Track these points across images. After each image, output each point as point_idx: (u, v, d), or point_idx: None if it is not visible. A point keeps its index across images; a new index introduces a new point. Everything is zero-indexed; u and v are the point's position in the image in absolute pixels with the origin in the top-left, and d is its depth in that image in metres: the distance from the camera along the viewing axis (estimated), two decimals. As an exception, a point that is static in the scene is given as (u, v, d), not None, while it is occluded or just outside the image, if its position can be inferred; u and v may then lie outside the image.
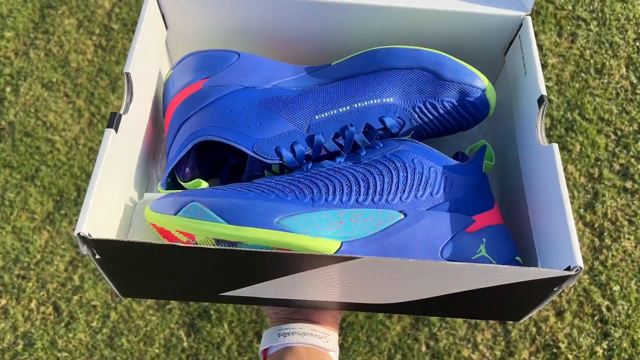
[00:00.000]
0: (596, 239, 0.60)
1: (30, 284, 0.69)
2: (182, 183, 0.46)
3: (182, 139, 0.45)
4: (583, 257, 0.59)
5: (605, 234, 0.61)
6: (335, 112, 0.45)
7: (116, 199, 0.42)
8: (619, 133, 0.63)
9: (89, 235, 0.35)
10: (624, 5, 0.66)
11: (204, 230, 0.38)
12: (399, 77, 0.46)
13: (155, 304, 0.64)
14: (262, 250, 0.35)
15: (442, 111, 0.47)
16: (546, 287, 0.39)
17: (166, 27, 0.53)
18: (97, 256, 0.37)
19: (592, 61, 0.64)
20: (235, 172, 0.50)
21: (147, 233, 0.44)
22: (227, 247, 0.35)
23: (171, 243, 0.35)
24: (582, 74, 0.63)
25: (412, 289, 0.41)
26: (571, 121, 0.62)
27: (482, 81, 0.47)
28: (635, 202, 0.62)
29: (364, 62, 0.47)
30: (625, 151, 0.63)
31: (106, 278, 0.41)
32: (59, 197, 0.81)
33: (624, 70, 0.64)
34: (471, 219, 0.42)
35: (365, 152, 0.45)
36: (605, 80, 0.64)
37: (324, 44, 0.54)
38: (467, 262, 0.41)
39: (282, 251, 0.35)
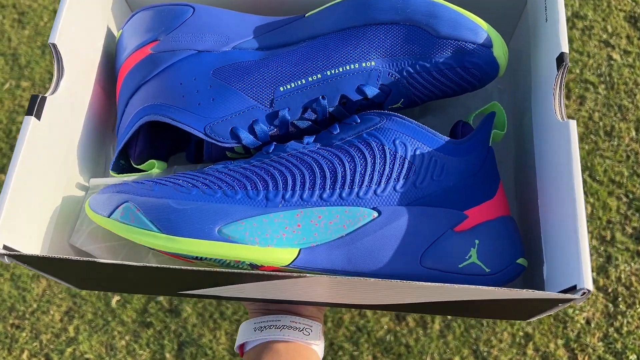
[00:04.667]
0: (610, 305, 0.57)
1: (24, 334, 0.68)
2: (134, 165, 0.41)
3: (129, 116, 0.39)
4: (597, 323, 0.55)
5: (620, 299, 0.59)
6: (303, 81, 0.37)
7: (49, 191, 0.37)
8: (631, 196, 0.60)
9: (5, 249, 0.31)
10: (632, 70, 0.63)
11: (137, 239, 0.33)
12: (381, 34, 0.37)
13: (151, 358, 0.63)
14: (183, 268, 0.30)
15: (437, 75, 0.38)
16: (548, 303, 0.33)
17: (116, -26, 0.45)
18: (26, 264, 0.33)
19: (601, 123, 0.62)
20: (201, 148, 0.44)
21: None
22: (148, 265, 0.30)
23: (88, 260, 0.30)
24: (592, 136, 0.62)
25: (388, 298, 0.36)
26: (582, 182, 0.61)
27: (487, 36, 0.37)
28: None
29: (340, 14, 0.38)
30: (637, 214, 0.60)
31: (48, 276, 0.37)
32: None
33: (633, 133, 0.61)
34: (462, 215, 0.35)
35: (338, 130, 0.37)
36: (615, 143, 0.62)
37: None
38: (451, 275, 0.34)
39: (203, 269, 0.30)
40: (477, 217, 0.36)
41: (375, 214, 0.34)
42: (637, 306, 0.57)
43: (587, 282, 0.30)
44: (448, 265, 0.34)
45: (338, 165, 0.35)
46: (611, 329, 0.57)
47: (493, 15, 0.40)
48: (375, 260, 0.34)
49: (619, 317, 0.57)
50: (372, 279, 0.31)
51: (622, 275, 0.58)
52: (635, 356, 0.56)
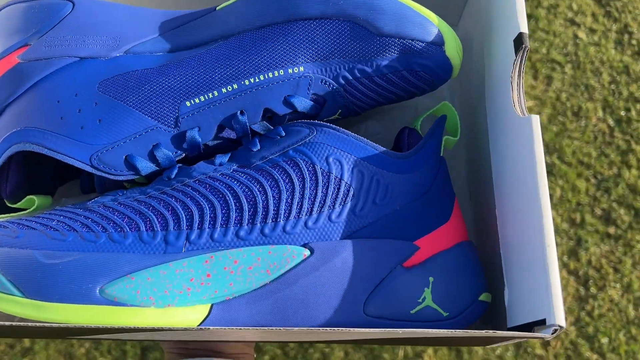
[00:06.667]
0: (581, 288, 0.58)
1: (-26, 346, 0.61)
2: (8, 205, 0.32)
3: (-6, 144, 0.31)
4: (569, 307, 0.53)
5: (591, 282, 0.58)
6: (215, 93, 0.30)
7: None
8: (599, 177, 0.60)
9: None
10: (597, 48, 0.63)
11: (-6, 306, 0.25)
12: (310, 32, 0.31)
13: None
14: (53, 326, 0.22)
15: (380, 80, 0.31)
16: (514, 338, 0.27)
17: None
18: None
19: (568, 104, 0.61)
20: (99, 177, 0.36)
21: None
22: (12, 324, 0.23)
23: None
24: (560, 117, 0.61)
25: (328, 337, 0.29)
26: (550, 165, 0.60)
27: (438, 32, 0.31)
28: (620, 248, 0.58)
29: (256, 8, 0.32)
30: (606, 195, 0.59)
31: None
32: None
33: (600, 113, 0.61)
34: (413, 246, 0.29)
35: (258, 147, 0.30)
36: (583, 123, 0.61)
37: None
38: (402, 323, 0.28)
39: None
40: (430, 248, 0.29)
41: (307, 253, 0.28)
42: (608, 289, 0.56)
43: (559, 316, 0.25)
44: (397, 312, 0.28)
45: (258, 193, 0.28)
46: (582, 313, 0.56)
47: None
48: (309, 311, 0.27)
49: (590, 300, 0.56)
50: (305, 329, 0.24)
51: (592, 258, 0.57)
52: (606, 339, 0.55)
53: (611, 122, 0.60)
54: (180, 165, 0.30)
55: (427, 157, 0.31)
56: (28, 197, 0.32)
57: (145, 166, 0.30)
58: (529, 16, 0.64)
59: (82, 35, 0.32)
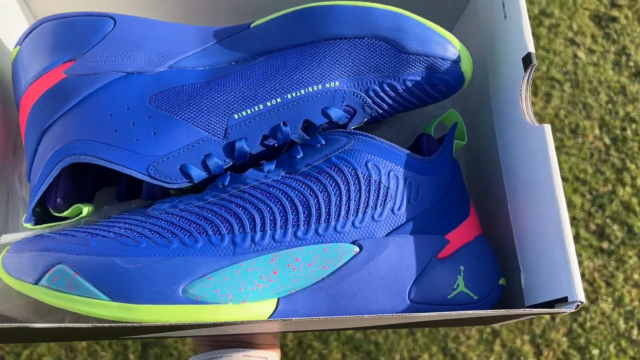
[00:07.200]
0: None
1: (-24, 338, 0.59)
2: (55, 214, 0.33)
3: (44, 158, 0.32)
4: (562, 319, 0.58)
5: (584, 295, 0.61)
6: (261, 107, 0.33)
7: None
8: (594, 193, 0.64)
9: None
10: (596, 68, 0.67)
11: (79, 310, 0.27)
12: (345, 50, 0.34)
13: (114, 360, 0.58)
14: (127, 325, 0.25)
15: (404, 93, 0.35)
16: (534, 314, 0.32)
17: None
18: None
19: (566, 121, 0.66)
20: (134, 185, 0.37)
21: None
22: (97, 326, 0.25)
23: (20, 326, 0.24)
24: (558, 134, 0.65)
25: (372, 325, 0.32)
26: None
27: (456, 50, 0.35)
28: (612, 263, 0.63)
29: (295, 27, 0.34)
30: (600, 211, 0.64)
31: None
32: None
33: (597, 131, 0.65)
34: (444, 240, 0.33)
35: (302, 154, 0.33)
36: (580, 140, 0.65)
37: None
38: (441, 307, 0.32)
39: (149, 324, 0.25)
40: (457, 241, 0.34)
41: (357, 249, 0.31)
42: (600, 302, 0.60)
43: (579, 293, 0.29)
44: (437, 297, 0.32)
45: (310, 197, 0.31)
46: (575, 325, 0.60)
47: (430, 11, 0.39)
48: (361, 300, 0.30)
49: (583, 312, 0.60)
50: (351, 317, 0.28)
51: (586, 272, 0.61)
52: (597, 350, 0.59)
53: (607, 140, 0.64)
54: (231, 172, 0.33)
55: (446, 161, 0.35)
56: (75, 205, 0.33)
57: (198, 174, 0.32)
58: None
59: (126, 51, 0.33)
